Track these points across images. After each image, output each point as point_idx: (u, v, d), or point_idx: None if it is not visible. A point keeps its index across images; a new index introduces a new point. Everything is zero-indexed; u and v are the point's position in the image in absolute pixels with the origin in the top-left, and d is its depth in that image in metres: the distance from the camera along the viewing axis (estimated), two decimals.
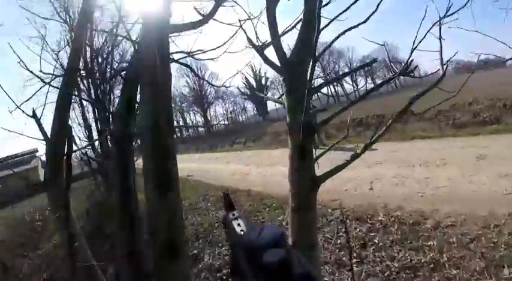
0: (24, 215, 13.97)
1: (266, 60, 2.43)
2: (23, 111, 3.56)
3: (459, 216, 4.87)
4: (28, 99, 3.67)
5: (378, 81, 56.16)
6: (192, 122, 67.80)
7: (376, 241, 4.76)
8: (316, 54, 2.25)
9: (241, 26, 2.60)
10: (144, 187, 1.84)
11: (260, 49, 2.42)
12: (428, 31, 2.10)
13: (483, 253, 3.92)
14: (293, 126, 2.25)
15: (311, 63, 1.95)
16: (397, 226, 5.00)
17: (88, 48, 5.46)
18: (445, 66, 2.21)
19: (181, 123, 67.35)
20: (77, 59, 3.62)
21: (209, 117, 63.36)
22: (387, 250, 4.46)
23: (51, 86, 3.75)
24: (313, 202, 2.25)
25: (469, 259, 3.90)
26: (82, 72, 7.70)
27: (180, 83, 58.88)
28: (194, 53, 3.66)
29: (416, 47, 1.97)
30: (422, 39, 2.01)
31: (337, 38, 1.73)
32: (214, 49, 3.53)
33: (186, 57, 3.79)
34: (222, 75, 60.01)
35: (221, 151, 25.60)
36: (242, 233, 0.76)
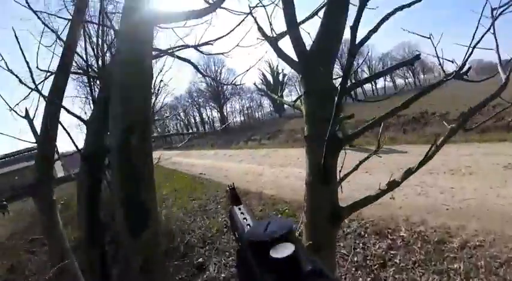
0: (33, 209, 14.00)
1: (280, 53, 1.96)
2: (15, 112, 3.29)
3: (488, 235, 4.42)
4: (20, 101, 3.39)
5: (397, 80, 55.44)
6: (208, 117, 67.93)
7: (397, 260, 4.33)
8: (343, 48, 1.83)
9: (251, 13, 2.19)
10: (116, 221, 1.46)
11: (274, 40, 1.98)
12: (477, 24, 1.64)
13: None
14: (312, 139, 1.77)
15: (348, 57, 1.40)
16: (421, 244, 4.56)
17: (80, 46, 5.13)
18: (508, 71, 1.77)
19: (197, 119, 67.61)
20: (70, 56, 3.30)
21: (225, 113, 63.35)
22: (409, 273, 4.03)
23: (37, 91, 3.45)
24: (334, 239, 1.80)
25: None
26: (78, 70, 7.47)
27: (197, 78, 59.01)
28: (199, 46, 3.27)
29: (476, 44, 1.53)
30: (483, 35, 1.57)
31: (382, 22, 1.29)
32: (219, 39, 3.11)
33: (184, 48, 3.37)
34: (239, 71, 59.87)
35: (236, 148, 25.45)
36: (248, 227, 0.76)
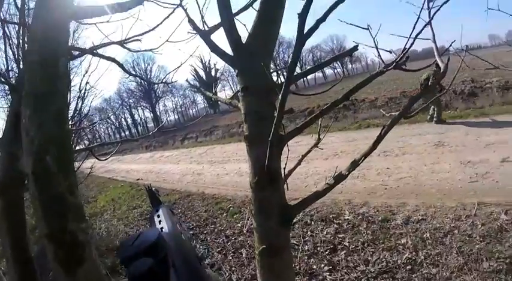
0: None
1: (214, 47, 1.75)
2: None
3: (428, 209, 4.66)
4: None
5: (326, 71, 57.69)
6: (141, 118, 65.57)
7: (346, 243, 4.39)
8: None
9: (180, 4, 1.99)
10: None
11: (206, 34, 1.79)
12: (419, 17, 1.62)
13: (460, 248, 3.70)
14: (253, 139, 1.63)
15: (295, 47, 1.24)
16: (366, 225, 4.68)
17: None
18: (446, 60, 1.77)
19: (129, 121, 64.93)
20: None
21: (158, 113, 61.63)
22: (360, 253, 4.11)
23: None
24: (287, 240, 1.66)
25: (446, 255, 3.66)
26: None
27: (125, 77, 56.65)
28: (126, 42, 2.97)
29: (417, 36, 1.48)
30: (423, 28, 1.54)
31: (330, 10, 1.17)
32: (146, 33, 2.84)
33: (109, 45, 3.05)
34: (171, 68, 58.48)
35: (172, 149, 24.88)
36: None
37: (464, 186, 5.08)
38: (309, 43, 57.27)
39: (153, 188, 1.06)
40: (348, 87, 1.53)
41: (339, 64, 55.49)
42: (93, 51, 3.12)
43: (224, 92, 59.85)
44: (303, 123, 1.56)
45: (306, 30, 1.12)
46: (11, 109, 2.48)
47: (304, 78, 55.85)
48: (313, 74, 57.84)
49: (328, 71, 61.74)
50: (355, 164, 1.58)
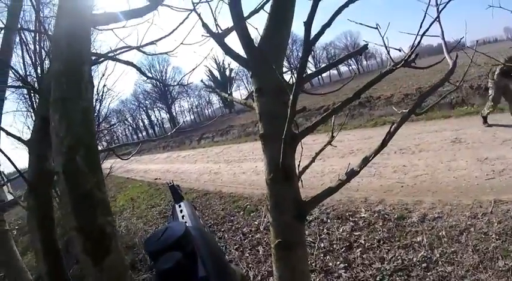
0: None
1: (227, 50, 1.84)
2: None
3: (444, 206, 4.64)
4: None
5: (341, 68, 57.23)
6: (157, 119, 66.29)
7: (362, 241, 4.42)
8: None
9: (194, 9, 2.07)
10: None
11: (220, 37, 1.87)
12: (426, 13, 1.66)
13: (475, 246, 3.69)
14: (268, 137, 1.70)
15: (302, 53, 1.32)
16: (382, 223, 4.69)
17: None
18: (454, 56, 1.80)
19: (146, 122, 65.71)
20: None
21: (174, 113, 62.21)
22: (375, 251, 4.14)
23: None
24: (302, 234, 1.73)
25: (462, 253, 3.66)
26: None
27: (142, 79, 57.43)
28: (143, 46, 3.08)
29: (425, 33, 1.53)
30: (430, 25, 1.58)
31: (335, 15, 1.24)
32: (163, 38, 2.95)
33: (126, 50, 3.18)
34: (186, 69, 59.02)
35: (189, 148, 25.09)
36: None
37: (481, 183, 5.03)
38: (323, 40, 56.98)
39: (175, 184, 1.13)
40: (362, 84, 1.58)
41: (354, 61, 55.06)
42: (112, 56, 3.25)
43: (239, 92, 60.08)
44: (316, 121, 1.62)
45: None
46: (36, 113, 2.62)
47: (319, 76, 55.64)
48: (328, 72, 57.62)
49: (342, 68, 61.36)
50: (366, 161, 1.63)
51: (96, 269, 1.21)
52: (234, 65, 56.36)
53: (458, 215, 4.34)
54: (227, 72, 57.40)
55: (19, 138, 2.45)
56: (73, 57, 1.41)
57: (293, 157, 1.66)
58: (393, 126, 1.63)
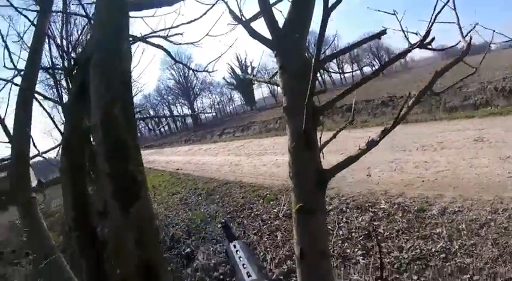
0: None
1: (254, 34, 1.98)
2: None
3: (465, 201, 4.64)
4: None
5: (364, 69, 56.66)
6: (179, 114, 67.00)
7: (381, 230, 4.48)
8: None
9: None
10: (103, 198, 1.41)
11: (246, 21, 2.00)
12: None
13: (495, 240, 3.69)
14: (292, 109, 1.80)
15: (323, 18, 1.42)
16: (402, 214, 4.74)
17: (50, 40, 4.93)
18: (467, 38, 1.86)
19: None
20: (38, 50, 3.16)
21: (196, 109, 62.73)
22: (394, 240, 4.19)
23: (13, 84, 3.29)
24: (322, 201, 1.82)
25: (481, 246, 3.67)
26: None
27: (165, 75, 58.24)
28: (170, 36, 3.25)
29: (438, 14, 1.60)
30: (442, 7, 1.64)
31: None
32: (189, 22, 3.10)
33: (155, 36, 3.36)
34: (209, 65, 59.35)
35: (210, 142, 25.35)
36: (247, 276, 0.76)
37: (503, 181, 5.00)
38: (345, 40, 56.44)
39: (228, 222, 1.14)
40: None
41: (377, 61, 54.44)
42: (144, 39, 3.44)
43: (260, 90, 60.03)
44: (337, 95, 1.71)
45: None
46: (73, 82, 2.80)
47: (342, 76, 55.11)
48: (351, 72, 57.08)
49: (366, 68, 60.53)
50: (385, 132, 1.72)
51: (125, 214, 1.32)
52: (256, 63, 56.38)
53: (479, 209, 4.35)
54: (249, 70, 57.47)
55: (56, 101, 2.67)
56: (113, 30, 1.58)
57: (315, 130, 1.76)
58: (411, 101, 1.72)
